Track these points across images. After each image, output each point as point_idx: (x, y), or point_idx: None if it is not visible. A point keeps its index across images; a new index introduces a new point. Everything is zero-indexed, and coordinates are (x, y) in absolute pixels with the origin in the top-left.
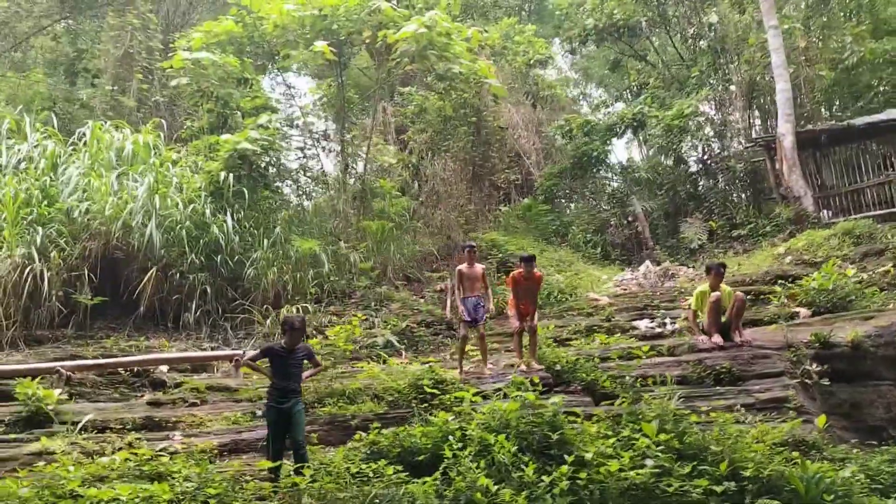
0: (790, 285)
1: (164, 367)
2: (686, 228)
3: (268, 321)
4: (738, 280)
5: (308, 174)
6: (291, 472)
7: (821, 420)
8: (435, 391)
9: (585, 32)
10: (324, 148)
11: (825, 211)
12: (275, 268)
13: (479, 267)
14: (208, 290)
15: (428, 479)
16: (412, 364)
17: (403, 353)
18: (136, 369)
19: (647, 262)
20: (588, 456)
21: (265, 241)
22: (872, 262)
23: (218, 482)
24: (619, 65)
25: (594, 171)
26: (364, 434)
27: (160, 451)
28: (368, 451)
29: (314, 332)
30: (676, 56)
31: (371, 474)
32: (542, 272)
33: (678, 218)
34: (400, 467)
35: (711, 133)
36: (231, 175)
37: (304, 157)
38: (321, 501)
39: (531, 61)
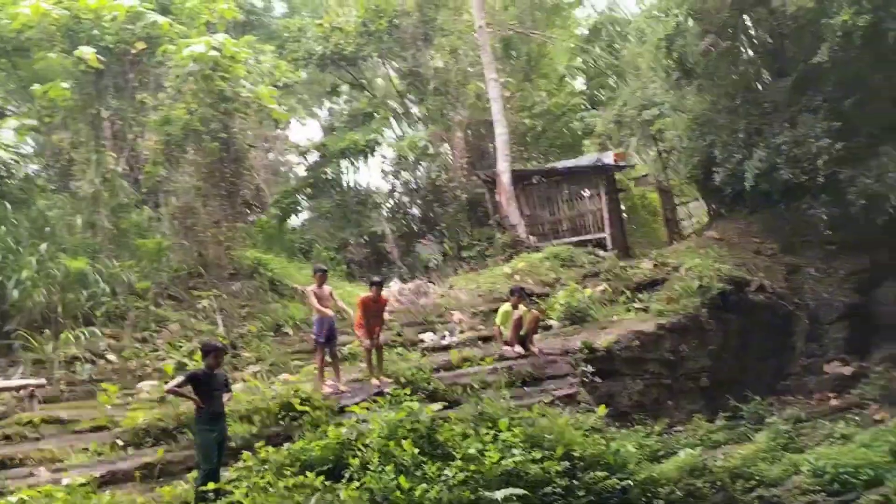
0: (537, 301)
1: None
2: (421, 249)
3: (46, 346)
4: (497, 297)
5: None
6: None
7: (601, 409)
8: (305, 408)
9: (310, 56)
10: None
11: (533, 237)
12: (42, 288)
13: (328, 289)
14: None
15: (351, 484)
16: None
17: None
18: None
19: (396, 280)
20: (472, 451)
21: (32, 259)
22: (591, 282)
23: None
24: (338, 90)
25: (331, 191)
26: (251, 453)
27: (31, 487)
28: (263, 468)
29: (94, 356)
30: (404, 89)
31: (292, 485)
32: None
33: (413, 239)
34: (322, 477)
35: (440, 165)
36: None
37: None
38: None
39: (278, 82)
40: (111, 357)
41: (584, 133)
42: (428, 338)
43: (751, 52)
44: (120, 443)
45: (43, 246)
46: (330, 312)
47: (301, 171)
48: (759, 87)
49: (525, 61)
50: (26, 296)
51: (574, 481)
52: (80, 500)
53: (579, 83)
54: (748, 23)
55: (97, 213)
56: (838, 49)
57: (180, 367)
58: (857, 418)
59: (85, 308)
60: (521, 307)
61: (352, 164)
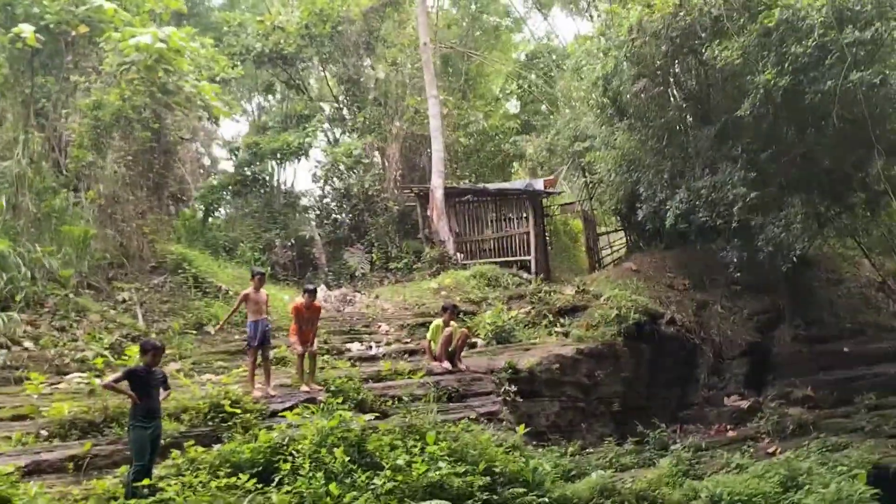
0: (464, 319)
1: None
2: (349, 257)
3: None
4: (423, 312)
5: None
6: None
7: (521, 429)
8: (235, 410)
9: (248, 52)
10: None
11: (460, 254)
12: None
13: (264, 293)
14: None
15: (282, 488)
16: None
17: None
18: None
19: (322, 286)
20: (400, 462)
21: None
22: (516, 304)
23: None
24: (273, 88)
25: (259, 190)
26: (178, 451)
27: None
28: (192, 467)
29: (10, 342)
30: (342, 95)
31: (224, 486)
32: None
33: (341, 246)
34: (255, 479)
35: (374, 175)
36: None
37: None
38: None
39: (216, 77)
40: (28, 344)
41: (515, 156)
42: (355, 348)
43: (680, 99)
44: (45, 433)
45: None
46: (265, 317)
47: (229, 167)
48: (685, 132)
49: (463, 80)
50: None
51: (494, 496)
52: (8, 489)
53: (512, 106)
54: (678, 71)
55: (22, 195)
56: (759, 105)
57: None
58: (751, 450)
59: (3, 292)
60: (453, 324)
61: (281, 164)
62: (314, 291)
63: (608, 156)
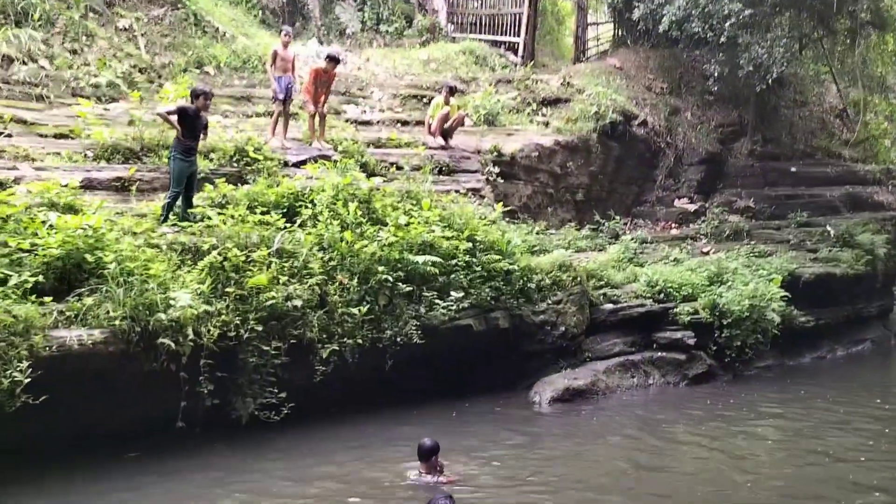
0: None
1: None
2: (341, 12)
3: None
4: (413, 84)
5: None
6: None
7: (499, 206)
8: (258, 157)
9: None
10: None
11: (450, 25)
12: None
13: (291, 51)
14: None
15: (304, 229)
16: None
17: (128, 98)
18: None
19: (315, 41)
20: (401, 221)
21: None
22: (503, 88)
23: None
24: None
25: None
26: (211, 186)
27: (15, 181)
28: (223, 201)
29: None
30: None
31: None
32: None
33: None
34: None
35: None
36: None
37: None
38: (234, 238)
39: None
40: (43, 62)
41: None
42: (350, 111)
43: None
44: (90, 154)
45: None
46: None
47: None
48: None
49: None
50: None
51: (473, 259)
52: (74, 200)
53: None
54: None
55: None
56: None
57: (111, 85)
58: (689, 248)
59: (17, 7)
60: (452, 101)
61: None
62: (337, 60)
63: None
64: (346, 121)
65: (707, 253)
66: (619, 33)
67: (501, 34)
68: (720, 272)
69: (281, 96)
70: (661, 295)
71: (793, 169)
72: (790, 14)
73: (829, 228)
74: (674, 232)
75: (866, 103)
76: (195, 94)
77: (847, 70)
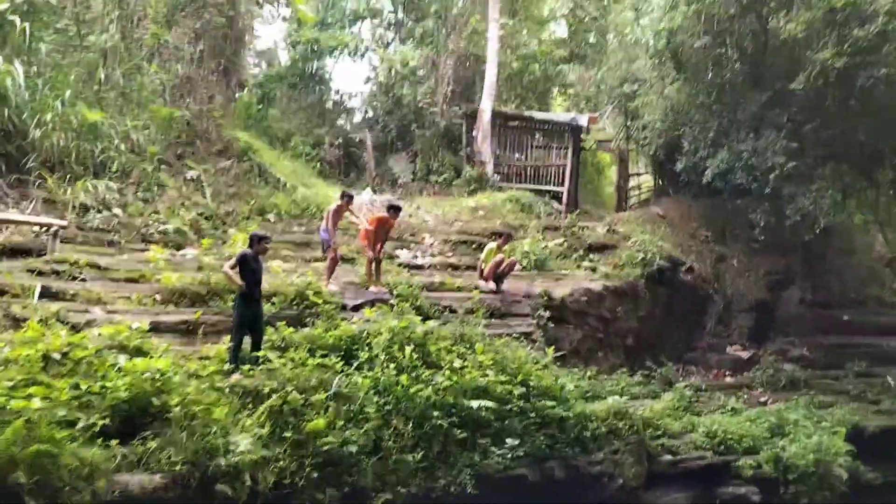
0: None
1: None
2: (394, 164)
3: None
4: (463, 230)
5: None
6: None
7: (550, 350)
8: (317, 300)
9: None
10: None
11: (496, 175)
12: (60, 133)
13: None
14: None
15: (361, 372)
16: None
17: (195, 244)
18: None
19: (368, 190)
20: (456, 365)
21: (56, 103)
22: (550, 234)
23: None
24: None
25: (313, 87)
26: (272, 329)
27: (87, 324)
28: (283, 345)
29: (101, 206)
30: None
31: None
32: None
33: (385, 152)
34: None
35: (426, 88)
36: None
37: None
38: (294, 381)
39: None
40: (117, 210)
41: (561, 84)
42: (403, 255)
43: (736, 62)
44: (158, 298)
45: (67, 93)
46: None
47: (283, 58)
48: (737, 94)
49: None
50: (45, 137)
51: (528, 404)
52: (143, 343)
53: (561, 30)
54: (741, 34)
55: (112, 68)
56: (813, 80)
57: (178, 232)
58: (745, 397)
59: (97, 160)
60: (505, 249)
61: (336, 62)
62: (399, 209)
63: (657, 104)
64: (399, 265)
65: (765, 403)
66: (661, 183)
67: (545, 184)
68: (781, 423)
69: (336, 244)
70: (721, 447)
71: (845, 317)
72: (831, 165)
73: (889, 379)
74: (728, 380)
75: None
76: (255, 240)
77: (894, 220)
